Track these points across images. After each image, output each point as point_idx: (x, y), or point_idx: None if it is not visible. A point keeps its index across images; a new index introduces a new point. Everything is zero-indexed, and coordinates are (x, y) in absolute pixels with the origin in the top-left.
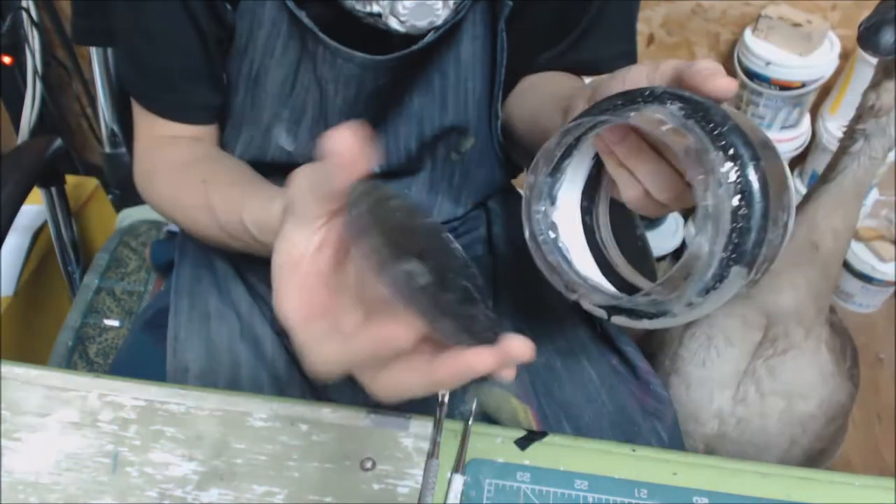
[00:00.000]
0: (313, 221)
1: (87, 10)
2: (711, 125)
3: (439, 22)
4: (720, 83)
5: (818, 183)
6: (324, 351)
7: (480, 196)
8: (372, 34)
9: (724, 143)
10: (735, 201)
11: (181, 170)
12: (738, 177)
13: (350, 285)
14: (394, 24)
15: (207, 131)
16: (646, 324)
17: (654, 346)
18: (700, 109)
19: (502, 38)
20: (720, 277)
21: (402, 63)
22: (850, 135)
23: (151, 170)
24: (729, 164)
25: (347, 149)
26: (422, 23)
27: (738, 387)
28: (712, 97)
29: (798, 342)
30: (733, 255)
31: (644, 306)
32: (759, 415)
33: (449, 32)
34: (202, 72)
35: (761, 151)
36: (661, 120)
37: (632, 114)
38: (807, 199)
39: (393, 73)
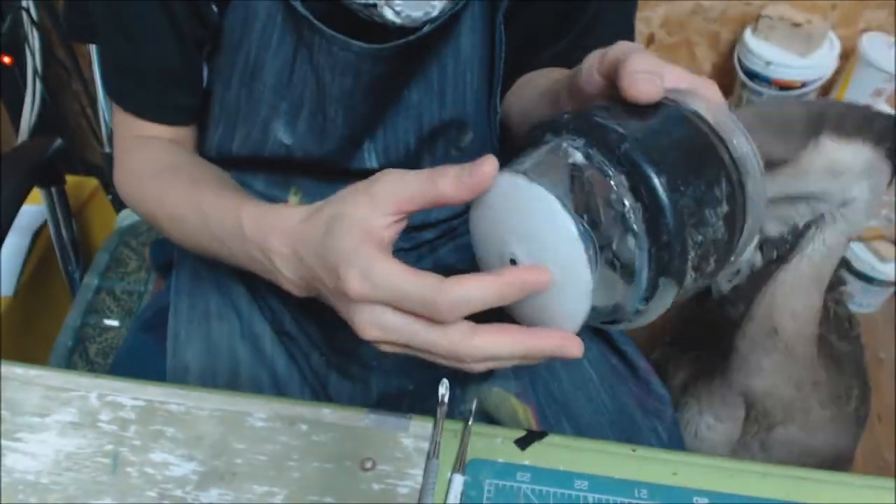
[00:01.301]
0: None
1: (77, 7)
2: (608, 150)
3: (435, 13)
4: (640, 91)
5: (775, 263)
6: (451, 291)
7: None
8: (369, 28)
9: (622, 166)
10: (639, 223)
11: (167, 170)
12: (635, 199)
13: None
14: (389, 14)
15: (185, 133)
16: (609, 328)
17: None
18: (597, 135)
19: (500, 32)
20: (653, 289)
21: (400, 54)
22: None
23: (135, 170)
24: (624, 189)
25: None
26: (417, 13)
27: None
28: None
29: (781, 419)
30: (659, 269)
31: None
32: None
33: (447, 25)
34: (180, 73)
35: (672, 154)
36: (567, 154)
37: (527, 163)
38: (768, 279)
39: (390, 64)
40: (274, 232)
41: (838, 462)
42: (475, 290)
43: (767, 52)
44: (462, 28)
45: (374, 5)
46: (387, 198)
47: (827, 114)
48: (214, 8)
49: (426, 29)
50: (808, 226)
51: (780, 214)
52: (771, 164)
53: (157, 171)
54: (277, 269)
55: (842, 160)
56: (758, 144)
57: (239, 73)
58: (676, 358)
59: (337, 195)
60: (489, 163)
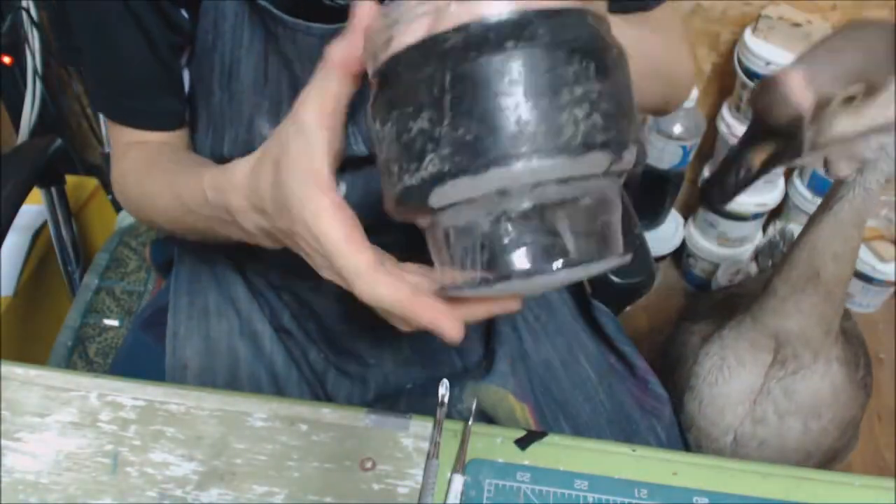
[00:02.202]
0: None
1: (61, 31)
2: None
3: None
4: None
5: (819, 209)
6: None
7: None
8: (337, 14)
9: None
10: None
11: (147, 166)
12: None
13: None
14: None
15: (176, 136)
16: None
17: (672, 362)
18: None
19: None
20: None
21: None
22: None
23: (123, 172)
24: None
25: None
26: None
27: (756, 406)
28: None
29: (808, 363)
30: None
31: None
32: (777, 435)
33: None
34: (160, 82)
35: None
36: None
37: None
38: (808, 225)
39: None
40: (228, 191)
41: (851, 425)
42: (386, 294)
43: (767, 53)
44: None
45: None
46: (311, 121)
47: None
48: (185, 14)
49: None
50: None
51: (852, 153)
52: (870, 89)
53: (141, 169)
54: (243, 228)
55: None
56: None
57: (217, 76)
58: (690, 326)
59: (275, 133)
60: (364, 7)
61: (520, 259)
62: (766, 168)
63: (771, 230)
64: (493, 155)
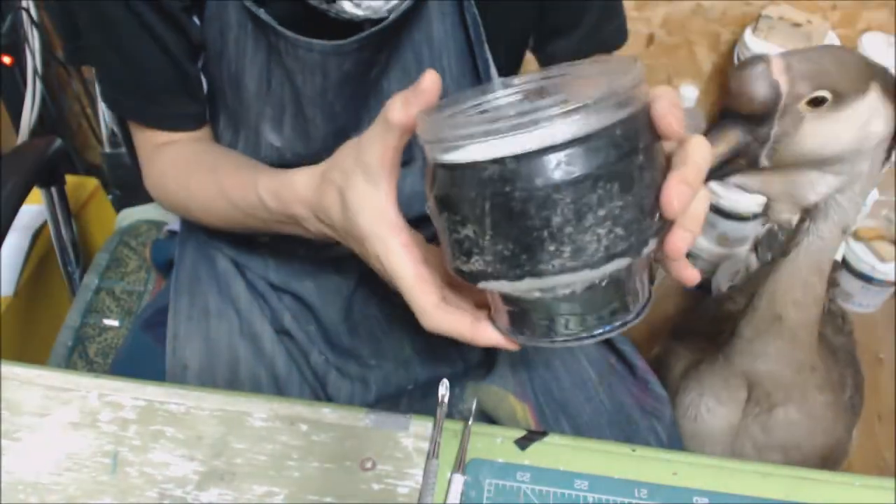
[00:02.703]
0: (389, 180)
1: (70, 33)
2: None
3: (396, 0)
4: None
5: (779, 255)
6: (485, 336)
7: None
8: (339, 26)
9: None
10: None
11: (187, 165)
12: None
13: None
14: (349, 7)
15: (201, 133)
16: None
17: (662, 381)
18: None
19: (473, 13)
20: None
21: (366, 47)
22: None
23: (160, 173)
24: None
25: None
26: (377, 3)
27: (735, 442)
28: None
29: (781, 401)
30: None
31: None
32: None
33: (415, 13)
34: (179, 84)
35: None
36: None
37: None
38: (769, 270)
39: (357, 58)
40: (291, 201)
41: (836, 448)
42: (449, 329)
43: (768, 52)
44: (431, 13)
45: (334, 0)
46: (375, 165)
47: (877, 67)
48: (197, 21)
49: (391, 17)
50: (802, 220)
51: (795, 194)
52: (837, 99)
53: (181, 169)
54: (307, 229)
55: (880, 118)
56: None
57: (226, 82)
58: (677, 349)
59: (335, 160)
60: (428, 77)
61: (548, 330)
62: (722, 167)
63: (736, 234)
64: (527, 268)
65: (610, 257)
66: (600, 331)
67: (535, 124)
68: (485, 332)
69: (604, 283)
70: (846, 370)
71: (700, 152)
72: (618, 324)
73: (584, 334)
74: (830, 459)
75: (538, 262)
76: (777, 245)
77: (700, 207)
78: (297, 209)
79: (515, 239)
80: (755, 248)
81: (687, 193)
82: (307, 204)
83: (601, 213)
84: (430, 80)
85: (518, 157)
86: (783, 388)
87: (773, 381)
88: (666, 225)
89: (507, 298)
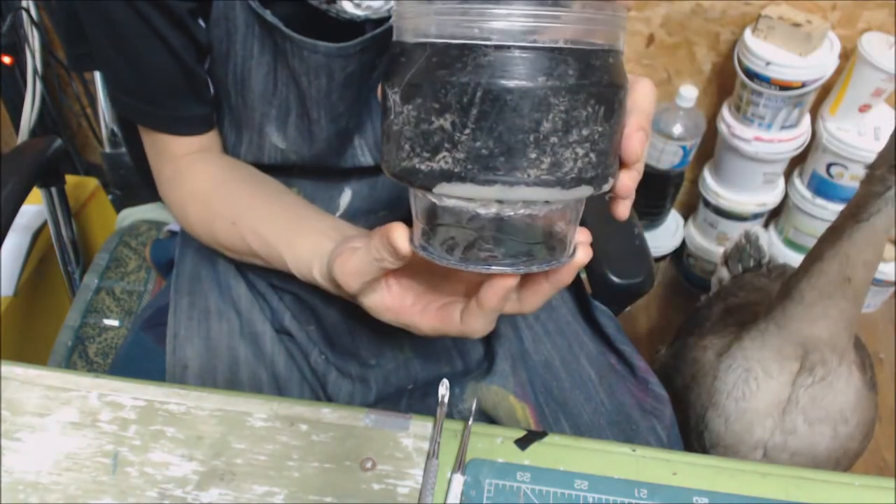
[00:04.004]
0: (380, 285)
1: (73, 39)
2: None
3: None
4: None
5: (849, 221)
6: (473, 323)
7: None
8: (344, 27)
9: None
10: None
11: (206, 210)
12: None
13: (420, 285)
14: (349, 8)
15: (209, 138)
16: None
17: (687, 379)
18: None
19: None
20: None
21: (369, 49)
22: (874, 179)
23: (181, 201)
24: None
25: (403, 250)
26: (377, 3)
27: (784, 418)
28: None
29: (834, 368)
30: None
31: None
32: (808, 444)
33: None
34: (186, 88)
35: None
36: None
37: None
38: (838, 236)
39: (360, 60)
40: (314, 277)
41: (872, 425)
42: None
43: (767, 52)
44: None
45: (334, 1)
46: (352, 285)
47: None
48: (202, 24)
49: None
50: (885, 186)
51: None
52: None
53: (202, 206)
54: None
55: None
56: None
57: (231, 83)
58: (698, 342)
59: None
60: (398, 235)
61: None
62: None
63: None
64: (500, 172)
65: (579, 181)
66: (514, 266)
67: (553, 19)
68: (459, 319)
69: (542, 215)
70: (865, 354)
71: (649, 98)
72: (532, 266)
73: (499, 264)
74: (867, 438)
75: (514, 167)
76: (746, 257)
77: (645, 149)
78: (317, 280)
79: (499, 137)
80: (725, 261)
81: (644, 139)
82: (325, 281)
83: (584, 132)
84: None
85: (525, 48)
86: (837, 354)
87: (832, 345)
88: (618, 168)
89: (439, 211)
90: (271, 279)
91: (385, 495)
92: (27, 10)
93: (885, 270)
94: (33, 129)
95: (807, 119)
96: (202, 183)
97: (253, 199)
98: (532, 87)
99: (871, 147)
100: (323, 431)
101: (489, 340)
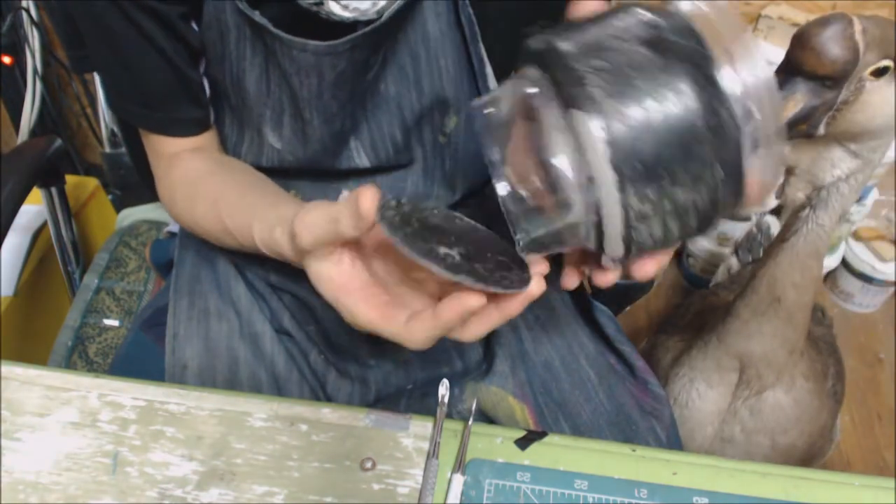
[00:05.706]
0: (332, 254)
1: (74, 41)
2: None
3: (383, 3)
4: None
5: (777, 240)
6: (416, 331)
7: (478, 179)
8: (336, 28)
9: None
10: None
11: (192, 192)
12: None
13: (387, 278)
14: (336, 9)
15: (206, 139)
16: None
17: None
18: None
19: (468, 13)
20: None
21: (359, 47)
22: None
23: (170, 190)
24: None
25: (365, 210)
26: (365, 5)
27: (723, 427)
28: None
29: (771, 382)
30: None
31: None
32: (745, 453)
33: (409, 12)
34: (180, 91)
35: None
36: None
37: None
38: (766, 255)
39: (351, 59)
40: (283, 254)
41: (822, 435)
42: (429, 333)
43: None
44: (426, 13)
45: (321, 2)
46: (315, 246)
47: None
48: (195, 27)
49: (384, 18)
50: (802, 206)
51: (813, 175)
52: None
53: (187, 194)
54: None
55: None
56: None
57: (229, 85)
58: (665, 342)
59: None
60: (367, 196)
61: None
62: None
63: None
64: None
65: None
66: (456, 274)
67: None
68: (442, 317)
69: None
70: (828, 359)
71: None
72: (478, 283)
73: (444, 266)
74: (816, 446)
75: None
76: (756, 247)
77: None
78: (287, 256)
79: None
80: (736, 251)
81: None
82: (290, 256)
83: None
84: (367, 200)
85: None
86: (775, 369)
87: (766, 361)
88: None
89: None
90: (270, 279)
91: (385, 495)
92: (27, 10)
93: (885, 270)
94: (33, 129)
95: None
96: (191, 172)
97: (238, 184)
98: (723, 123)
99: None
100: (323, 431)
101: (488, 341)
